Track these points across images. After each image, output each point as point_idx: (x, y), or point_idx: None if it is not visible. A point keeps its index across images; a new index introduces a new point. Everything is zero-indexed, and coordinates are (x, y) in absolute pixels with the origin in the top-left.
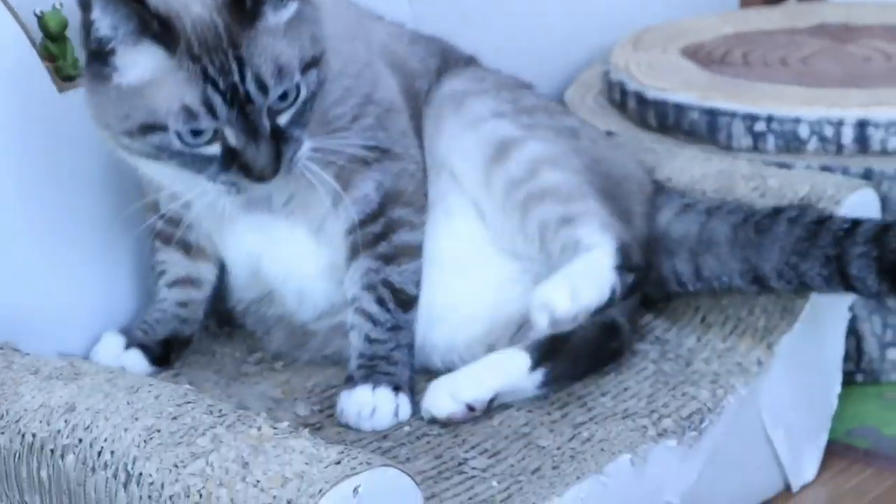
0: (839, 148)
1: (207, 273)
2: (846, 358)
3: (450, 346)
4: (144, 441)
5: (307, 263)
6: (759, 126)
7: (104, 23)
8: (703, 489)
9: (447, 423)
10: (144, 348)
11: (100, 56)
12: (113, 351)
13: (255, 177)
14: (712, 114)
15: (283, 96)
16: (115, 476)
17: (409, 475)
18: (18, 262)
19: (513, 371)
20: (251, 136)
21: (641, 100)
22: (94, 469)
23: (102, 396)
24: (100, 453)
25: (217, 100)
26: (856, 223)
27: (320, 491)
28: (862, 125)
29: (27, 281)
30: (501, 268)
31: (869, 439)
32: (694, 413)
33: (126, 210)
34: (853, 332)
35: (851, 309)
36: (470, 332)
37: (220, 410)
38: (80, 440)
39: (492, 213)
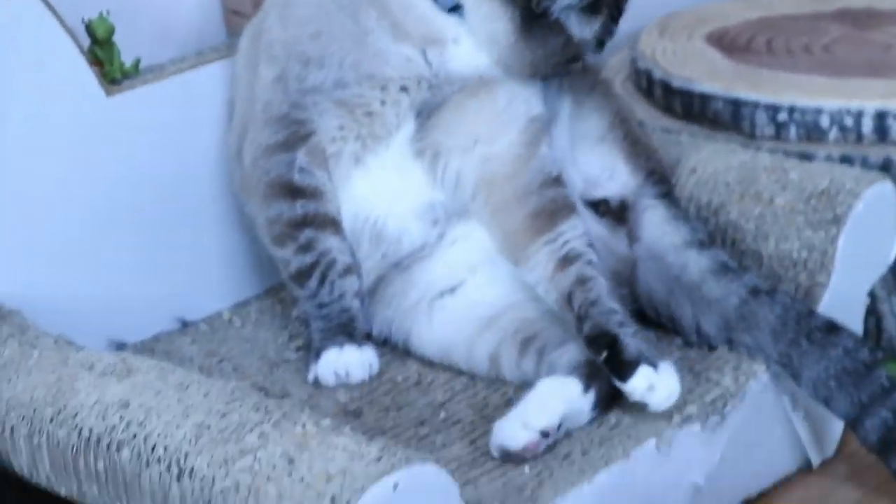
0: (859, 137)
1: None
2: (866, 335)
3: (449, 339)
4: (195, 437)
5: (413, 203)
6: (782, 116)
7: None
8: (726, 468)
9: (521, 457)
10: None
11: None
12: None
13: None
14: (736, 104)
15: None
16: (168, 470)
17: (446, 471)
18: (71, 256)
19: (572, 395)
20: None
21: (668, 88)
22: (147, 463)
23: (154, 393)
24: (153, 448)
25: (613, 27)
26: (894, 384)
27: (362, 487)
28: (881, 116)
29: (80, 273)
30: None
31: None
32: (717, 399)
33: (176, 205)
34: (873, 312)
35: (870, 294)
36: (471, 326)
37: (267, 407)
38: (135, 435)
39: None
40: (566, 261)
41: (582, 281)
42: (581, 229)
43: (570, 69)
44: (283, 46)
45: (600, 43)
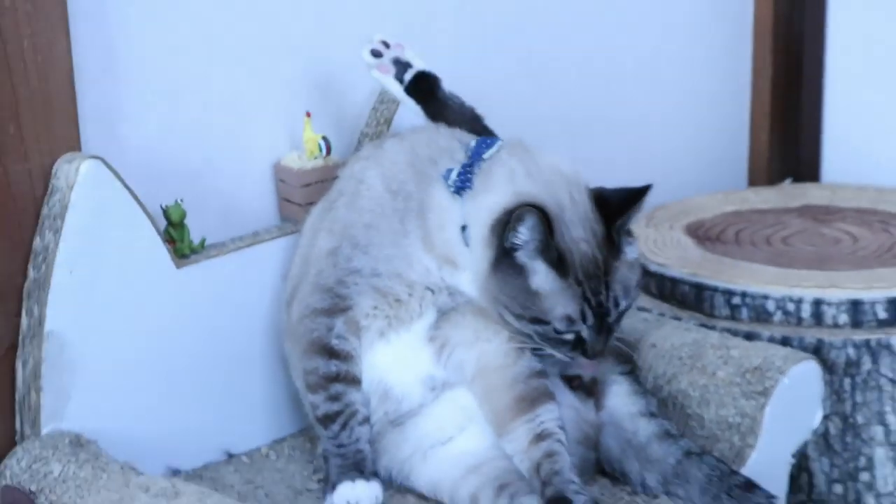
0: (799, 321)
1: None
2: (798, 490)
3: (439, 479)
4: None
5: (418, 374)
6: (736, 300)
7: (523, 235)
8: None
9: None
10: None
11: (508, 253)
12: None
13: (589, 356)
14: (699, 287)
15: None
16: None
17: None
18: (139, 398)
19: None
20: (598, 332)
21: (646, 271)
22: None
23: None
24: None
25: (588, 312)
26: None
27: None
28: (818, 303)
29: (146, 412)
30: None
31: None
32: None
33: (229, 358)
34: (805, 469)
35: (803, 454)
36: (458, 471)
37: None
38: None
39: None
40: (540, 438)
41: (550, 454)
42: (555, 413)
43: (543, 341)
44: (343, 226)
45: (570, 320)
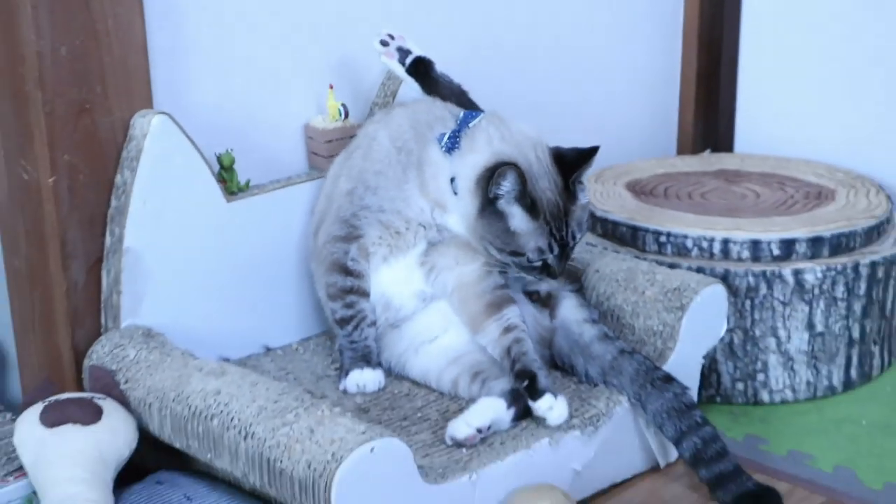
0: (711, 255)
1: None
2: (709, 385)
3: (427, 368)
4: (257, 414)
5: (412, 289)
6: (662, 239)
7: (505, 187)
8: (597, 462)
9: (463, 444)
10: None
11: (492, 202)
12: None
13: (552, 276)
14: (634, 229)
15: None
16: (239, 433)
17: (406, 444)
18: (198, 302)
19: (499, 409)
20: (560, 259)
21: (593, 216)
22: (228, 428)
23: (236, 387)
24: (232, 419)
25: (554, 245)
26: (704, 420)
27: (351, 448)
28: (726, 242)
29: (202, 313)
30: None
31: None
32: (593, 416)
33: (268, 272)
34: (714, 370)
35: (711, 358)
36: (442, 362)
37: (302, 399)
38: (221, 411)
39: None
40: (508, 330)
41: (517, 340)
42: (518, 313)
43: (518, 268)
44: (358, 172)
45: (541, 251)
